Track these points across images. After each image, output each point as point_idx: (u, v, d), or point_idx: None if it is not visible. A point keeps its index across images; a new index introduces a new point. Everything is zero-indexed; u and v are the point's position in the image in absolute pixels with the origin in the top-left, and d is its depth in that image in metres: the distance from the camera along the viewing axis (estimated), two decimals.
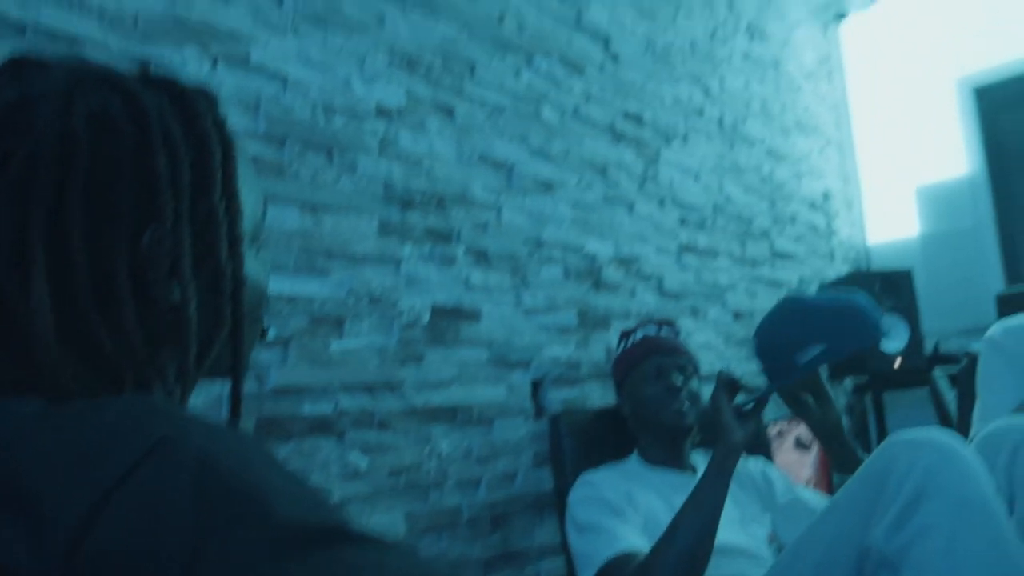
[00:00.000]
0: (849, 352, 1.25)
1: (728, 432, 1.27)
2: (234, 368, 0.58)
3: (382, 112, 1.64)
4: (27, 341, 0.45)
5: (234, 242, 0.55)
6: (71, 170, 0.46)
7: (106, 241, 0.48)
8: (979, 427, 1.50)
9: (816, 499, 1.55)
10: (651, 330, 1.66)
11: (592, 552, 1.32)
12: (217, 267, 0.54)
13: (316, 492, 0.41)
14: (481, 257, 1.79)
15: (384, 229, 1.60)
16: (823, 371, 1.27)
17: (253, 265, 0.59)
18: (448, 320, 1.69)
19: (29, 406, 0.43)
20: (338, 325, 1.49)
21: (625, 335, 1.71)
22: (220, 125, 0.56)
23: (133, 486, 0.36)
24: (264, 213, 0.63)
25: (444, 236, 1.72)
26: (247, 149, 0.62)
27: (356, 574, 0.37)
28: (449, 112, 1.79)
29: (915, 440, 1.06)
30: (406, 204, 1.65)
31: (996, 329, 1.59)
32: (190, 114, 0.53)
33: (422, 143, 1.71)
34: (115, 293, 0.48)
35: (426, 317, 1.64)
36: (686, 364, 1.59)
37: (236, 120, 1.39)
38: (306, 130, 1.50)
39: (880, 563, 0.98)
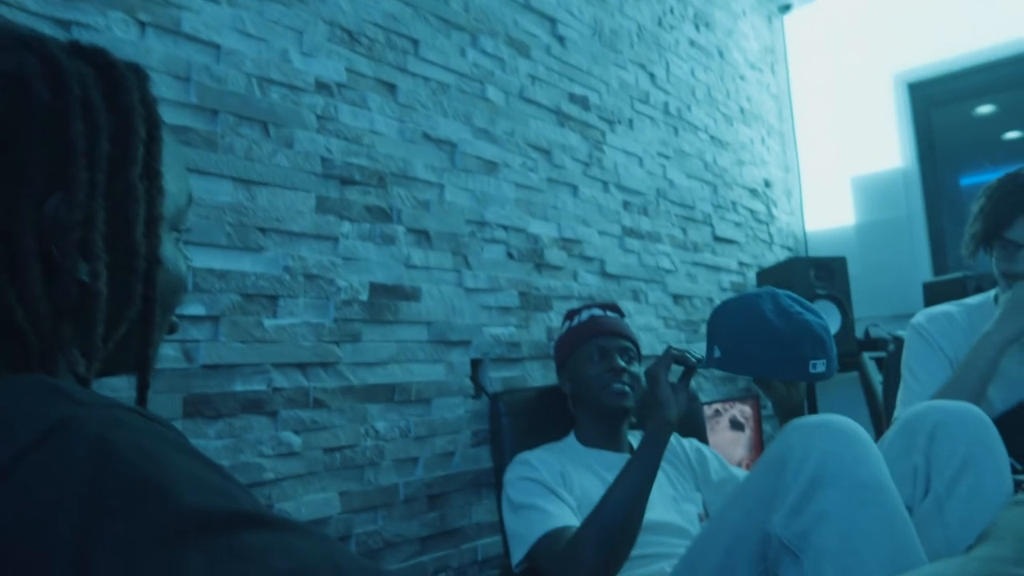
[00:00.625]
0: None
1: (663, 407, 1.29)
2: (142, 352, 0.56)
3: (321, 86, 1.61)
4: None
5: (152, 221, 0.54)
6: None
7: (12, 204, 0.46)
8: (901, 409, 1.56)
9: None
10: (597, 312, 1.68)
11: (525, 531, 1.34)
12: (131, 245, 0.53)
13: (226, 477, 0.40)
14: (422, 236, 1.78)
15: (322, 206, 1.57)
16: None
17: (171, 251, 0.58)
18: (387, 299, 1.67)
19: None
20: (272, 302, 1.46)
21: (571, 315, 1.72)
22: (148, 103, 0.55)
23: (24, 470, 0.35)
24: (188, 202, 0.62)
25: (384, 214, 1.70)
26: (176, 128, 0.61)
27: (262, 558, 0.36)
28: (391, 88, 1.77)
29: (810, 425, 1.08)
30: (345, 181, 1.63)
31: (920, 316, 1.65)
32: (115, 87, 0.52)
33: (363, 119, 1.69)
34: (20, 258, 0.47)
35: (364, 295, 1.63)
36: (629, 347, 1.62)
37: (165, 90, 1.35)
38: (240, 102, 1.46)
39: (781, 549, 1.01)
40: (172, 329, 0.61)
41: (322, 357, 1.53)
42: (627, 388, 1.55)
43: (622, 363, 1.57)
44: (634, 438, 1.64)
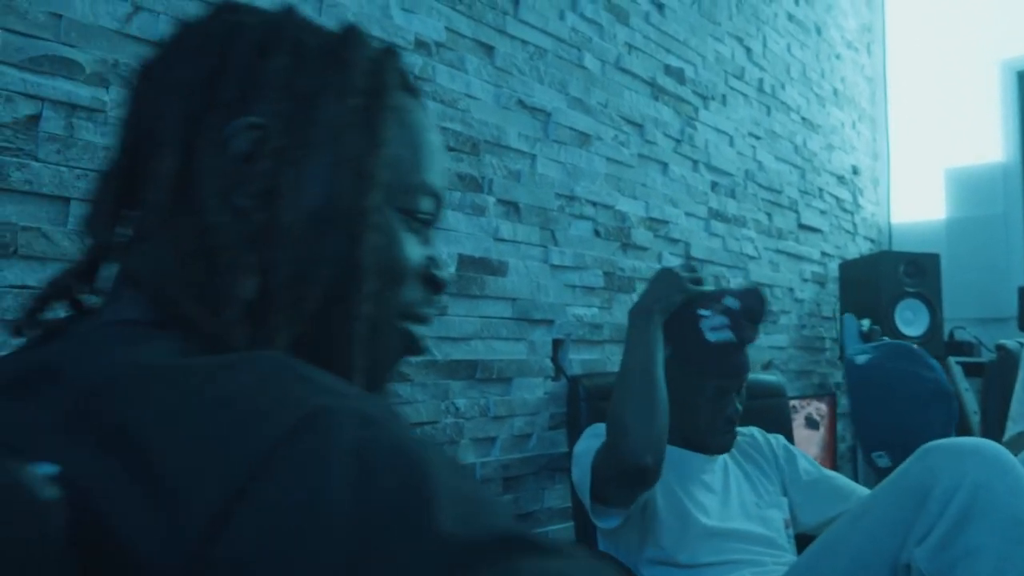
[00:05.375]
0: None
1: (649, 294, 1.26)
2: (342, 333, 0.44)
3: (420, 45, 1.53)
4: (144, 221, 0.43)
5: (364, 179, 0.44)
6: (196, 59, 0.44)
7: (196, 126, 0.42)
8: (1022, 424, 1.45)
9: (843, 481, 1.49)
10: (733, 303, 1.30)
11: (583, 469, 1.25)
12: (335, 203, 0.44)
13: (481, 488, 0.34)
14: (512, 208, 1.71)
15: None
16: None
17: (392, 228, 0.46)
18: (474, 272, 1.61)
19: (138, 344, 0.37)
20: None
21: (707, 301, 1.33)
22: (379, 64, 0.47)
23: (278, 472, 0.29)
24: (423, 186, 0.49)
25: (475, 183, 1.63)
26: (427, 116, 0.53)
27: None
28: (489, 50, 1.68)
29: (960, 450, 0.99)
30: None
31: None
32: (341, 43, 0.47)
33: (459, 82, 1.61)
34: (199, 182, 0.42)
35: (452, 267, 1.56)
36: (744, 383, 1.38)
37: None
38: None
39: None
40: (414, 347, 0.49)
41: None
42: (736, 431, 1.39)
43: (738, 407, 1.37)
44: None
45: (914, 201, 3.40)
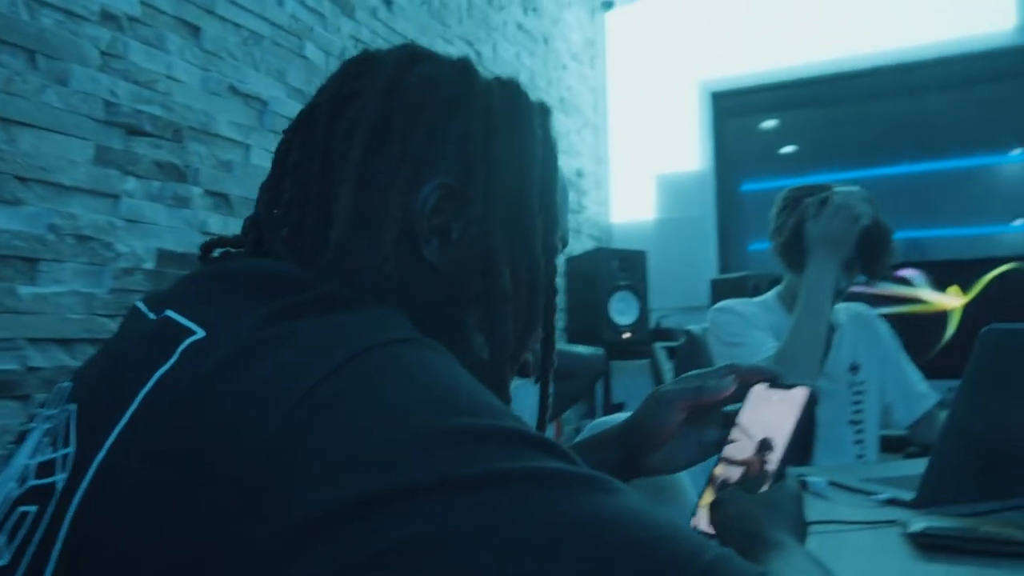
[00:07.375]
0: None
1: None
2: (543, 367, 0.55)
3: (108, 17, 1.38)
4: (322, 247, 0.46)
5: (548, 251, 0.51)
6: (393, 111, 0.47)
7: (388, 184, 0.46)
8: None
9: None
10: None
11: None
12: (532, 259, 0.50)
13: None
14: (222, 200, 1.61)
15: (101, 157, 1.36)
16: None
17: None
18: (178, 268, 1.49)
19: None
20: (30, 266, 1.24)
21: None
22: (547, 132, 0.53)
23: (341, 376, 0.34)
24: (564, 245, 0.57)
25: (178, 172, 1.51)
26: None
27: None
28: (195, 31, 1.56)
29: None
30: (133, 131, 1.42)
31: (722, 304, 1.76)
32: (518, 104, 0.51)
33: (158, 62, 1.48)
34: (382, 234, 0.46)
35: (150, 263, 1.44)
36: None
37: None
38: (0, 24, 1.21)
39: None
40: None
41: (93, 332, 1.33)
42: None
43: None
44: None
45: (631, 202, 3.78)
